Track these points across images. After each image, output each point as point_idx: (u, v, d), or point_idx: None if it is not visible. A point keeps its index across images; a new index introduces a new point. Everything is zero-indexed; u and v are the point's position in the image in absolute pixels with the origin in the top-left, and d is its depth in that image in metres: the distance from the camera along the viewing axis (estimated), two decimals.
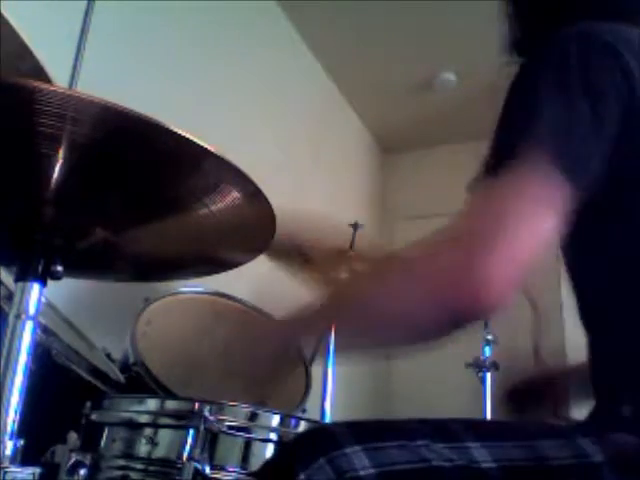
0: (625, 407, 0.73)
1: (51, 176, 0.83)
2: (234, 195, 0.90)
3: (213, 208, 0.91)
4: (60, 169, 0.82)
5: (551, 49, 0.78)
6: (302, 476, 0.63)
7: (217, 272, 1.15)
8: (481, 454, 0.66)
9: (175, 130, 0.78)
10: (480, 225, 0.70)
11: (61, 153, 0.80)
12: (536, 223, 0.69)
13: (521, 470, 0.66)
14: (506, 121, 0.77)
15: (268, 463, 0.72)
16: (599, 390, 0.80)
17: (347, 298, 0.83)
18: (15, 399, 0.87)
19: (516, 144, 0.72)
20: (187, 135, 0.79)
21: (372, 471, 0.63)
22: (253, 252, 1.09)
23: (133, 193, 0.91)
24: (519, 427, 0.74)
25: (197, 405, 1.00)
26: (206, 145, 0.80)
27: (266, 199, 0.91)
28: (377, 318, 0.75)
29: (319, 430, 0.76)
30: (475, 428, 0.71)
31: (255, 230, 1.01)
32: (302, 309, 0.86)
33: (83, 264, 1.04)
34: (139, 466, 1.02)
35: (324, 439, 0.67)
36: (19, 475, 0.87)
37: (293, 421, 1.08)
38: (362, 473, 0.63)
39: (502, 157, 0.72)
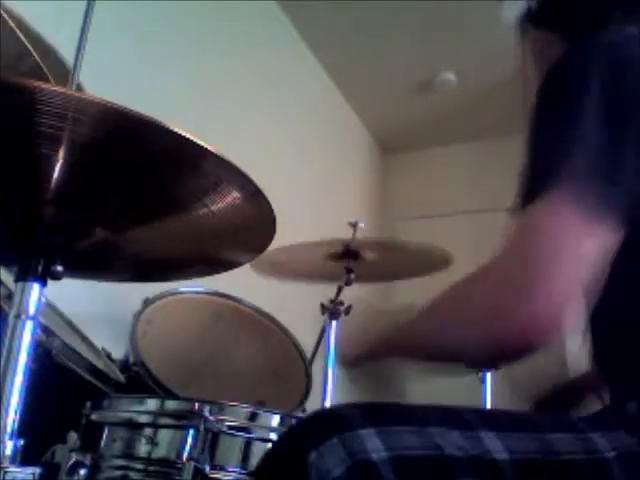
0: (630, 403, 0.73)
1: (51, 176, 0.83)
2: (234, 195, 0.90)
3: (213, 208, 0.91)
4: (60, 169, 0.82)
5: (590, 65, 0.75)
6: (313, 454, 0.62)
7: (217, 272, 1.14)
8: (494, 444, 0.65)
9: (175, 130, 0.78)
10: (522, 264, 0.69)
11: (61, 153, 0.80)
12: (579, 259, 0.68)
13: (533, 462, 0.66)
14: (545, 140, 0.74)
15: (278, 442, 0.72)
16: (608, 386, 0.80)
17: (409, 336, 0.84)
18: (15, 399, 0.87)
19: (557, 172, 0.69)
20: (187, 135, 0.78)
21: (384, 454, 0.62)
22: (253, 252, 1.09)
23: (133, 193, 0.91)
24: (532, 419, 0.74)
25: (197, 405, 1.00)
26: (206, 145, 0.80)
27: (266, 199, 0.91)
28: (436, 355, 0.79)
29: (331, 411, 0.74)
30: (489, 418, 0.70)
31: (255, 230, 1.01)
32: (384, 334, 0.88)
33: (83, 264, 1.04)
34: (139, 466, 1.02)
35: (337, 420, 0.66)
36: (19, 475, 0.87)
37: (293, 421, 1.08)
38: (374, 455, 0.62)
39: (542, 183, 0.70)
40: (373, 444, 0.63)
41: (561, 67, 0.78)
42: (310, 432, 0.66)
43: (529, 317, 0.66)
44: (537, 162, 0.74)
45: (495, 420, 0.70)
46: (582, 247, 0.67)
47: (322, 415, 0.71)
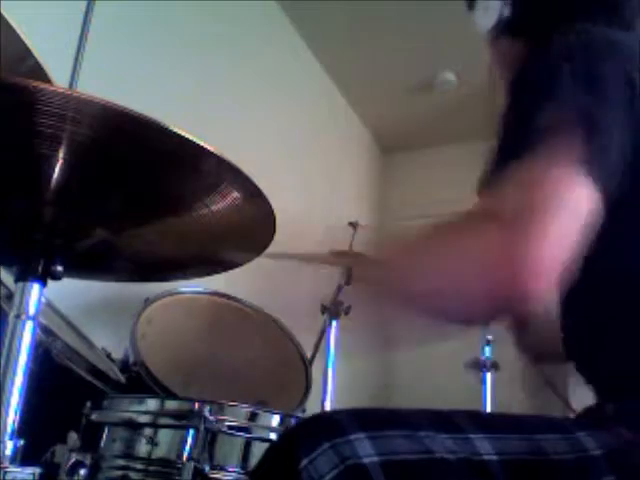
0: (608, 405, 0.74)
1: (51, 176, 0.83)
2: (234, 195, 0.90)
3: (213, 208, 0.91)
4: (60, 169, 0.82)
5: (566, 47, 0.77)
6: (305, 461, 0.62)
7: (217, 272, 1.15)
8: (483, 446, 0.66)
9: (175, 130, 0.78)
10: (523, 209, 0.68)
11: (61, 153, 0.80)
12: (576, 206, 0.67)
13: (522, 463, 0.66)
14: (523, 104, 0.75)
15: (270, 449, 0.72)
16: (593, 385, 0.81)
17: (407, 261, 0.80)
18: (15, 399, 0.87)
19: (542, 128, 0.70)
20: (187, 135, 0.79)
21: (376, 459, 0.62)
22: (253, 252, 1.09)
23: (133, 193, 0.91)
24: (521, 421, 0.74)
25: (197, 405, 1.00)
26: (206, 145, 0.80)
27: (266, 199, 0.91)
28: (433, 289, 0.74)
29: (323, 417, 0.75)
30: (479, 420, 0.71)
31: (255, 230, 1.01)
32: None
33: (83, 264, 1.05)
34: (139, 466, 1.02)
35: (328, 425, 0.66)
36: (19, 475, 0.87)
37: (293, 421, 1.08)
38: (366, 460, 0.62)
39: (526, 140, 0.70)
40: (364, 449, 0.63)
41: (531, 66, 0.80)
42: (302, 438, 0.66)
43: (526, 263, 0.65)
44: (517, 128, 0.74)
45: (484, 422, 0.71)
46: (574, 197, 0.67)
47: (314, 420, 0.71)
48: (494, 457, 0.65)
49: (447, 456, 0.64)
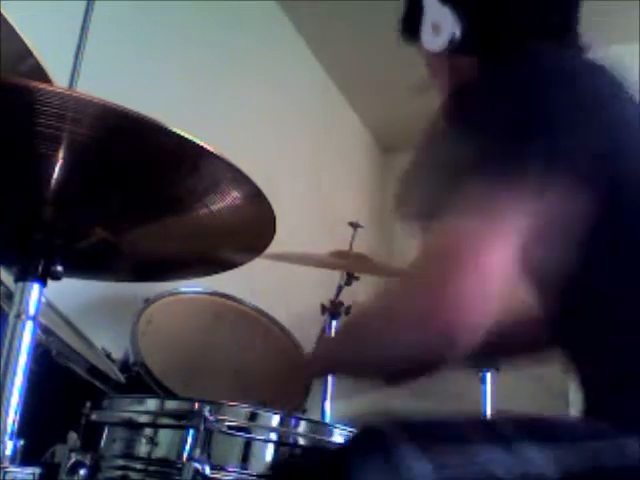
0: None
1: (51, 176, 0.83)
2: (234, 195, 0.90)
3: (213, 208, 0.91)
4: (60, 169, 0.82)
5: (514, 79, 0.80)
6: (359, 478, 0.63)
7: (217, 272, 1.15)
8: (538, 459, 0.65)
9: (175, 130, 0.78)
10: (441, 263, 0.72)
11: (61, 153, 0.80)
12: (480, 272, 0.70)
13: (578, 474, 0.65)
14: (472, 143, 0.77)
15: (321, 465, 0.73)
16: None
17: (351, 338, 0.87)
18: (15, 399, 0.87)
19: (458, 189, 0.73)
20: (187, 135, 0.79)
21: (432, 477, 0.63)
22: (253, 252, 1.09)
23: (133, 193, 0.91)
24: (568, 427, 0.74)
25: (197, 405, 1.00)
26: (206, 145, 0.80)
27: (266, 199, 0.91)
28: (379, 357, 0.79)
29: (376, 432, 0.74)
30: (528, 428, 0.70)
31: (255, 230, 1.01)
32: (324, 347, 0.91)
33: (83, 264, 1.04)
34: (139, 466, 1.02)
35: (382, 442, 0.66)
36: (19, 475, 0.87)
37: (293, 421, 1.08)
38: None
39: (446, 201, 0.74)
40: (421, 468, 0.63)
41: (473, 86, 0.84)
42: (356, 456, 0.67)
43: (455, 306, 0.69)
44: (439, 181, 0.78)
45: (534, 430, 0.70)
46: (483, 261, 0.70)
47: (368, 437, 0.71)
48: (552, 469, 0.65)
49: (502, 473, 0.64)
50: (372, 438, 0.69)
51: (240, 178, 0.86)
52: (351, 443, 0.74)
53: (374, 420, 0.72)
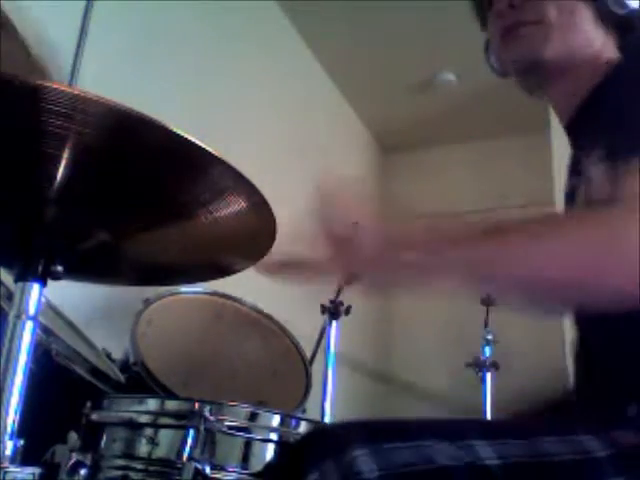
0: (631, 407, 0.73)
1: (55, 176, 0.83)
2: (239, 203, 0.89)
3: (217, 215, 0.90)
4: (64, 169, 0.82)
5: None
6: (311, 477, 0.63)
7: (215, 278, 1.14)
8: (485, 452, 0.66)
9: (185, 135, 0.77)
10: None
11: (66, 153, 0.79)
12: None
13: (523, 466, 0.66)
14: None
15: (272, 464, 0.73)
16: (603, 389, 0.80)
17: (506, 246, 0.73)
18: (15, 399, 0.87)
19: None
20: (195, 140, 0.77)
21: (376, 474, 0.63)
22: (255, 259, 1.09)
23: (136, 196, 0.91)
24: (521, 425, 0.74)
25: (197, 405, 1.00)
26: (214, 151, 0.79)
27: (269, 206, 0.91)
28: (535, 277, 0.70)
29: (326, 431, 0.76)
30: (479, 427, 0.72)
31: (258, 237, 1.00)
32: (449, 227, 0.78)
33: (84, 266, 1.04)
34: (139, 466, 1.02)
35: (333, 440, 0.67)
36: (19, 475, 0.87)
37: (293, 421, 1.08)
38: (369, 476, 0.63)
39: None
40: (367, 464, 0.63)
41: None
42: (307, 453, 0.67)
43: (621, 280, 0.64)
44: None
45: (484, 428, 0.72)
46: None
47: (319, 435, 0.71)
48: (496, 461, 0.66)
49: (449, 463, 0.65)
50: (323, 436, 0.70)
51: (245, 186, 0.86)
52: (304, 440, 0.75)
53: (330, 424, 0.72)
